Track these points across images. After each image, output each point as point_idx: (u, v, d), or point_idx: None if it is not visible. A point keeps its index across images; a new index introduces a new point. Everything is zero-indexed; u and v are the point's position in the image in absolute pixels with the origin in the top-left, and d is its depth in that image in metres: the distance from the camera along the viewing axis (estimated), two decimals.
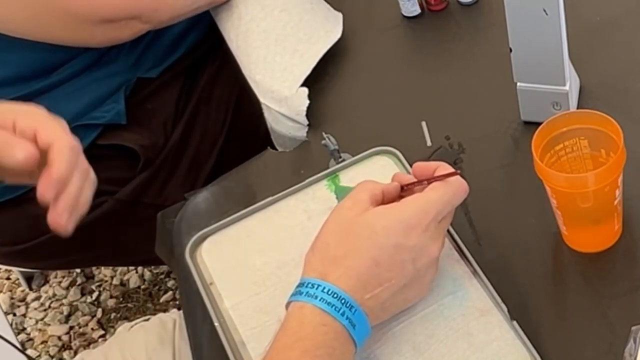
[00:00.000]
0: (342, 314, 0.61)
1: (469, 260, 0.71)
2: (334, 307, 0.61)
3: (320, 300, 0.61)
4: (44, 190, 0.68)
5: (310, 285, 0.63)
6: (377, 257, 0.63)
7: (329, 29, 0.97)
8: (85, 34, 0.98)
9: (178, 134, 1.10)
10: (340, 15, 0.99)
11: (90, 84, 1.02)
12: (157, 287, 1.74)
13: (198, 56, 1.13)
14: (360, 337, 0.63)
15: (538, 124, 0.67)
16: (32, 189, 1.04)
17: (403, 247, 0.63)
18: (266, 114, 0.94)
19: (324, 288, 0.62)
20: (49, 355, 1.71)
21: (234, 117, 1.16)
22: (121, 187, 1.08)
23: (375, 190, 0.67)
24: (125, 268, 1.78)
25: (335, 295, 0.61)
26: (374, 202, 0.66)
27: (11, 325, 1.71)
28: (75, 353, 1.67)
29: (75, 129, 1.02)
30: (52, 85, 1.01)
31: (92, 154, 1.05)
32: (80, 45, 1.01)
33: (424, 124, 0.87)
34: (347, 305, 0.61)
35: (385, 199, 0.68)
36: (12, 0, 0.93)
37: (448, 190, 0.66)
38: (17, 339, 1.58)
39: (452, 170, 0.67)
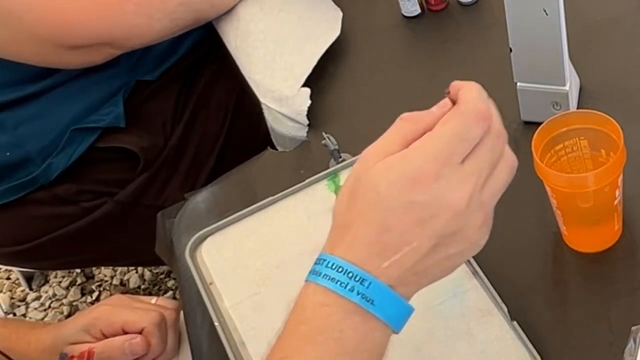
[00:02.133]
0: (351, 290, 0.50)
1: (469, 260, 0.71)
2: (338, 283, 0.51)
3: (323, 277, 0.51)
4: None
5: (318, 261, 0.53)
6: (384, 222, 0.51)
7: (327, 28, 0.97)
8: (55, 57, 0.96)
9: (177, 135, 1.10)
10: (339, 14, 0.99)
11: (89, 87, 1.02)
12: (157, 287, 1.74)
13: (196, 58, 1.13)
14: (390, 314, 0.51)
15: (538, 124, 0.67)
16: (33, 191, 1.05)
17: (413, 204, 0.51)
18: (266, 114, 0.94)
19: (329, 262, 0.52)
20: None
21: (234, 118, 1.16)
22: (121, 189, 1.08)
23: (410, 132, 0.55)
24: (125, 268, 1.78)
25: (340, 270, 0.51)
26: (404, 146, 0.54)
27: None
28: None
29: (74, 133, 1.03)
30: (49, 87, 1.01)
31: (91, 157, 1.05)
32: (51, 67, 0.99)
33: None
34: (357, 279, 0.50)
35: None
36: None
37: (459, 122, 0.53)
38: None
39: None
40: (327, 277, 0.51)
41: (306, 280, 0.53)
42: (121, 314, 0.86)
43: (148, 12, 0.92)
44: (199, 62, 1.14)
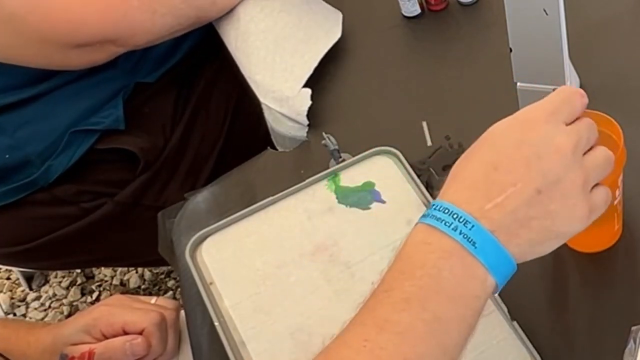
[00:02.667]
0: (455, 229, 0.52)
1: None
2: (442, 222, 0.53)
3: (430, 217, 0.53)
4: None
5: (428, 207, 0.55)
6: (494, 160, 0.54)
7: (328, 29, 0.97)
8: (60, 57, 0.96)
9: (177, 136, 1.10)
10: (340, 15, 0.99)
11: (88, 89, 1.02)
12: (157, 287, 1.74)
13: (195, 60, 1.13)
14: (491, 260, 0.52)
15: None
16: (33, 192, 1.05)
17: (523, 142, 0.54)
18: (266, 114, 0.94)
19: (437, 206, 0.54)
20: None
21: (234, 118, 1.16)
22: (121, 190, 1.08)
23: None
24: (126, 268, 1.78)
25: (447, 211, 0.53)
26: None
27: None
28: None
29: (74, 135, 1.03)
30: (48, 90, 1.01)
31: (91, 158, 1.05)
32: (55, 69, 0.99)
33: (424, 123, 0.87)
34: (462, 220, 0.52)
35: None
36: None
37: (564, 89, 0.58)
38: None
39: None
40: (434, 217, 0.53)
41: (416, 224, 0.55)
42: (121, 314, 0.86)
43: (152, 7, 0.92)
44: (198, 64, 1.14)
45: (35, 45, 0.94)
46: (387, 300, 0.53)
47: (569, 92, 0.57)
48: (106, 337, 0.86)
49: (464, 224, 0.52)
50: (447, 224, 0.52)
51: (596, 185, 0.56)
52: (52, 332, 0.89)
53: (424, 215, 0.54)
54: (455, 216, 0.52)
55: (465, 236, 0.52)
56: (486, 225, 0.52)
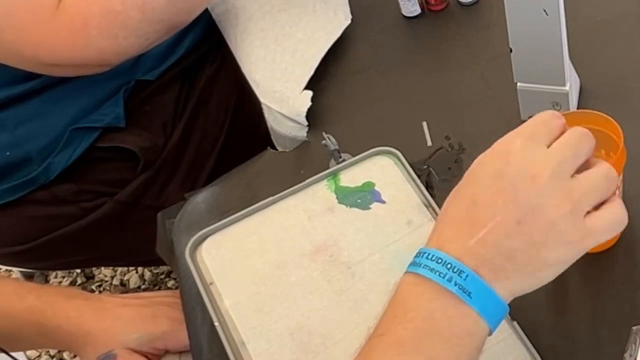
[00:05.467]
0: (449, 280, 0.52)
1: None
2: (437, 273, 0.52)
3: (423, 267, 0.53)
4: None
5: (417, 254, 0.55)
6: (474, 196, 0.54)
7: (329, 31, 0.97)
8: (42, 71, 0.96)
9: (177, 135, 1.10)
10: (346, 22, 0.98)
11: (89, 86, 1.02)
12: (157, 287, 1.74)
13: (197, 57, 1.13)
14: (486, 308, 0.52)
15: None
16: (33, 191, 1.05)
17: (500, 173, 0.53)
18: (266, 114, 0.94)
19: (427, 254, 0.53)
20: (49, 355, 1.71)
21: (234, 118, 1.16)
22: (121, 189, 1.08)
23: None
24: (126, 268, 1.78)
25: (439, 260, 0.52)
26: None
27: None
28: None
29: (74, 132, 1.03)
30: (48, 84, 1.00)
31: (91, 156, 1.05)
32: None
33: (424, 124, 0.87)
34: (455, 270, 0.52)
35: None
36: None
37: (541, 112, 0.57)
38: None
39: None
40: (427, 268, 0.53)
41: (405, 272, 0.55)
42: (185, 337, 0.82)
43: (112, 33, 0.91)
44: (199, 61, 1.14)
45: (14, 59, 0.94)
46: (381, 345, 0.52)
47: (545, 115, 0.56)
48: (167, 351, 0.85)
49: (458, 274, 0.52)
50: (440, 275, 0.52)
51: (602, 207, 0.54)
52: (104, 322, 0.85)
53: (415, 264, 0.54)
54: (449, 266, 0.52)
55: (460, 287, 0.51)
56: (471, 262, 0.52)
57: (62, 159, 1.03)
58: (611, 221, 0.54)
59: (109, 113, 1.04)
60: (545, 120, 0.56)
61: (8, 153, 1.01)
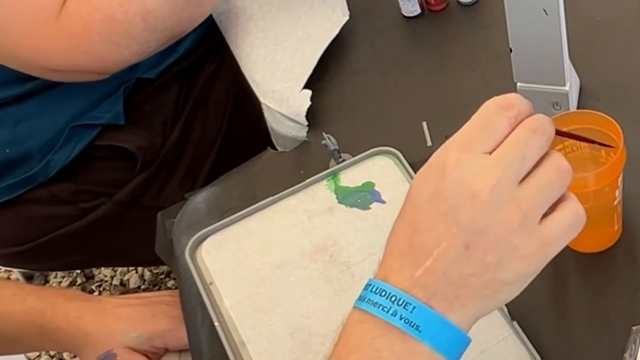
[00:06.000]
0: (394, 314, 0.47)
1: None
2: (380, 307, 0.47)
3: (367, 302, 0.48)
4: None
5: (365, 287, 0.50)
6: (414, 221, 0.48)
7: (327, 29, 0.97)
8: (42, 75, 0.96)
9: (176, 135, 1.10)
10: (344, 18, 0.98)
11: (89, 85, 1.02)
12: (157, 287, 1.74)
13: (198, 56, 1.13)
14: (442, 343, 0.47)
15: None
16: (31, 190, 1.05)
17: (436, 194, 0.47)
18: (266, 114, 0.94)
19: (372, 287, 0.49)
20: (49, 355, 1.71)
21: (233, 117, 1.16)
22: (119, 189, 1.08)
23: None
24: (126, 268, 1.78)
25: (382, 293, 0.48)
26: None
27: None
28: None
29: (74, 129, 1.03)
30: (49, 84, 1.00)
31: (90, 155, 1.05)
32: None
33: (424, 124, 0.87)
34: (401, 302, 0.47)
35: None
36: None
37: (480, 111, 0.51)
38: None
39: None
40: (370, 302, 0.48)
41: (352, 308, 0.50)
42: (185, 335, 0.81)
43: (113, 41, 0.91)
44: (199, 61, 1.14)
45: (15, 62, 0.94)
46: None
47: (486, 112, 0.50)
48: (166, 350, 0.85)
49: (404, 307, 0.46)
50: (384, 309, 0.47)
51: (557, 207, 0.48)
52: (103, 322, 0.84)
53: (360, 298, 0.49)
54: (393, 299, 0.47)
55: (406, 321, 0.46)
56: (420, 294, 0.47)
57: (61, 157, 1.03)
58: (568, 222, 0.48)
59: (108, 111, 1.04)
60: (485, 123, 0.49)
61: (8, 150, 1.01)
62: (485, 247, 0.46)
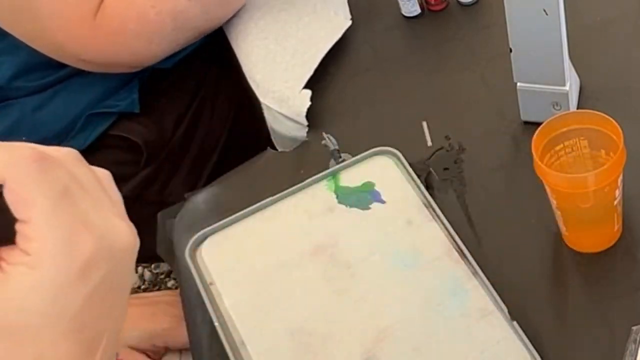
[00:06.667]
0: None
1: (469, 260, 0.71)
2: None
3: None
4: None
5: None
6: None
7: (329, 31, 0.97)
8: (73, 63, 1.00)
9: (182, 130, 1.11)
10: (347, 22, 0.98)
11: (106, 74, 1.04)
12: (157, 287, 1.74)
13: (212, 51, 1.13)
14: None
15: (538, 124, 0.67)
16: None
17: None
18: (266, 114, 0.94)
19: None
20: None
21: (239, 115, 1.17)
22: (124, 183, 1.08)
23: None
24: None
25: None
26: None
27: None
28: None
29: (90, 117, 1.04)
30: (66, 75, 1.03)
31: (103, 143, 1.06)
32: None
33: (424, 124, 0.87)
34: None
35: None
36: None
37: None
38: None
39: None
40: None
41: None
42: (185, 334, 0.80)
43: (146, 38, 0.96)
44: (213, 55, 1.14)
45: (50, 46, 0.97)
46: None
47: None
48: (167, 349, 0.85)
49: None
50: None
51: None
52: None
53: None
54: None
55: None
56: None
57: (76, 144, 1.04)
58: None
59: (124, 99, 1.06)
60: None
61: (24, 138, 1.02)
62: None
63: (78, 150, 1.08)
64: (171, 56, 1.07)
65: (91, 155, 1.05)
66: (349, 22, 0.98)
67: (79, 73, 1.03)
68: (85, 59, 0.98)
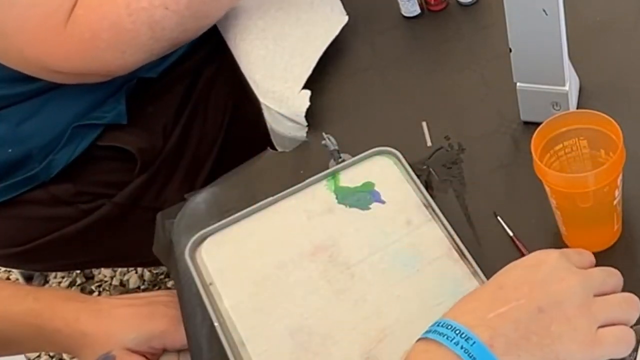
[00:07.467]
0: (456, 344, 0.54)
1: (468, 260, 0.71)
2: (444, 337, 0.55)
3: (432, 332, 0.56)
4: None
5: (432, 325, 0.58)
6: (501, 282, 0.58)
7: (327, 29, 0.97)
8: (45, 76, 0.97)
9: (176, 136, 1.10)
10: (344, 19, 0.98)
11: (91, 84, 1.02)
12: (156, 287, 1.74)
13: (199, 57, 1.13)
14: None
15: (538, 124, 0.67)
16: (31, 190, 1.05)
17: (531, 271, 0.58)
18: (266, 114, 0.94)
19: (440, 323, 0.57)
20: (49, 355, 1.71)
21: (233, 118, 1.16)
22: (119, 191, 1.08)
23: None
24: (125, 268, 1.78)
25: (449, 327, 0.55)
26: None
27: None
28: None
29: (76, 129, 1.03)
30: (52, 85, 1.01)
31: (91, 155, 1.05)
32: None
33: (424, 124, 0.87)
34: (463, 335, 0.54)
35: None
36: None
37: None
38: None
39: None
40: (435, 332, 0.55)
41: (418, 339, 0.57)
42: (183, 335, 0.81)
43: (119, 48, 0.93)
44: (200, 62, 1.14)
45: (20, 62, 0.95)
46: None
47: (578, 249, 0.63)
48: (164, 350, 0.84)
49: (465, 340, 0.54)
50: (448, 338, 0.54)
51: (615, 326, 0.57)
52: (101, 323, 0.84)
53: (426, 332, 0.57)
54: (457, 331, 0.54)
55: (466, 350, 0.53)
56: (486, 333, 0.54)
57: (63, 157, 1.03)
58: (619, 339, 0.57)
59: (111, 110, 1.04)
60: (578, 251, 0.62)
61: (10, 150, 1.01)
62: (555, 317, 0.55)
63: (65, 163, 1.08)
64: (157, 65, 1.06)
65: (81, 167, 1.05)
66: (346, 18, 0.98)
67: (61, 84, 1.01)
68: (54, 70, 0.95)
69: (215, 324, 0.71)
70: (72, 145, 1.03)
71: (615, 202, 0.67)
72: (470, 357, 0.53)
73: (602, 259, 0.71)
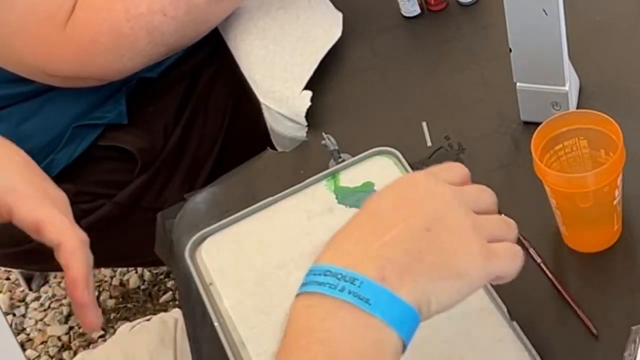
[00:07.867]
0: (342, 290, 0.47)
1: None
2: (327, 286, 0.47)
3: (311, 284, 0.48)
4: (80, 298, 0.66)
5: (306, 274, 0.50)
6: (374, 210, 0.52)
7: (327, 28, 0.97)
8: (43, 80, 0.98)
9: (176, 137, 1.10)
10: (340, 15, 0.98)
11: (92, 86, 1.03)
12: (156, 288, 1.74)
13: (200, 57, 1.13)
14: (391, 315, 0.47)
15: (538, 124, 0.67)
16: None
17: (403, 194, 0.53)
18: (266, 114, 0.94)
19: (315, 270, 0.49)
20: (49, 355, 1.71)
21: (233, 119, 1.16)
22: (119, 191, 1.08)
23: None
24: (125, 268, 1.78)
25: (328, 273, 0.48)
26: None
27: (11, 325, 1.71)
28: (75, 353, 1.67)
29: (77, 129, 1.03)
30: (50, 86, 1.01)
31: (91, 155, 1.05)
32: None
33: (424, 124, 0.87)
34: (347, 279, 0.47)
35: None
36: None
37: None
38: (16, 339, 1.58)
39: None
40: (316, 283, 0.48)
41: (296, 295, 0.50)
42: (41, 209, 0.69)
43: (117, 53, 0.93)
44: (201, 63, 1.14)
45: (18, 66, 0.95)
46: None
47: (449, 163, 0.59)
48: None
49: (351, 282, 0.47)
50: (331, 286, 0.47)
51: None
52: None
53: (302, 284, 0.49)
54: (339, 276, 0.47)
55: (355, 294, 0.46)
56: (372, 267, 0.48)
57: (63, 157, 1.03)
58: (512, 252, 0.54)
59: (111, 110, 1.04)
60: (448, 166, 0.57)
61: None
62: (443, 233, 0.51)
63: (66, 163, 1.07)
64: (157, 65, 1.06)
65: (82, 167, 1.05)
66: (340, 15, 0.98)
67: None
68: (50, 73, 0.95)
69: (215, 324, 0.71)
70: (73, 145, 1.03)
71: (615, 202, 0.67)
72: (362, 299, 0.46)
73: (602, 259, 0.71)
